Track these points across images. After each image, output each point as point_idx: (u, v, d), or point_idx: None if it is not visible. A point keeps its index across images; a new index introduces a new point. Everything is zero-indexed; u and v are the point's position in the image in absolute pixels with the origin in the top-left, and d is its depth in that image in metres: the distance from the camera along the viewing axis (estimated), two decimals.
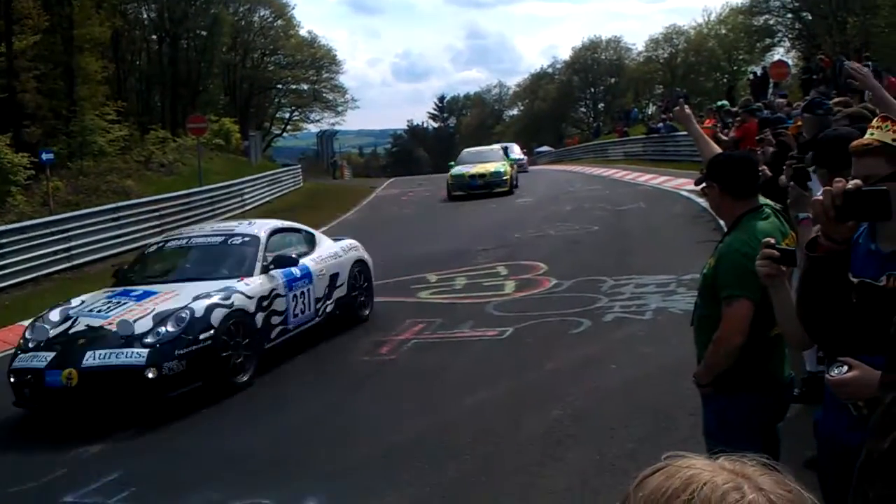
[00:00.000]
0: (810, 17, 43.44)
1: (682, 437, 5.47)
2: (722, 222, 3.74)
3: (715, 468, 1.02)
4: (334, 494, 5.61)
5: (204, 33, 43.28)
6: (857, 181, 2.04)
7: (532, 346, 8.67)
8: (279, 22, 53.71)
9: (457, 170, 26.90)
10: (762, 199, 3.66)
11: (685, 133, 10.72)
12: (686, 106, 4.77)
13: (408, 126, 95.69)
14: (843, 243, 2.07)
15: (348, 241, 11.00)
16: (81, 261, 17.20)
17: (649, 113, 53.23)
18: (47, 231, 16.63)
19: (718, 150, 4.44)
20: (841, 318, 2.13)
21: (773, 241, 2.46)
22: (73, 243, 17.16)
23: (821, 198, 2.05)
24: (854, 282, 2.12)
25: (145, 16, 41.45)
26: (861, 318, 2.08)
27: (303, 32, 56.73)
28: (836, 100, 7.54)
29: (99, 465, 6.47)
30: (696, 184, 3.85)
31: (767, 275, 2.45)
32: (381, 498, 5.38)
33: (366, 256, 10.94)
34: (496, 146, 32.15)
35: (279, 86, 56.25)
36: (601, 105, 73.82)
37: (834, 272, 2.10)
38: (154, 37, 41.50)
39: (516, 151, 38.32)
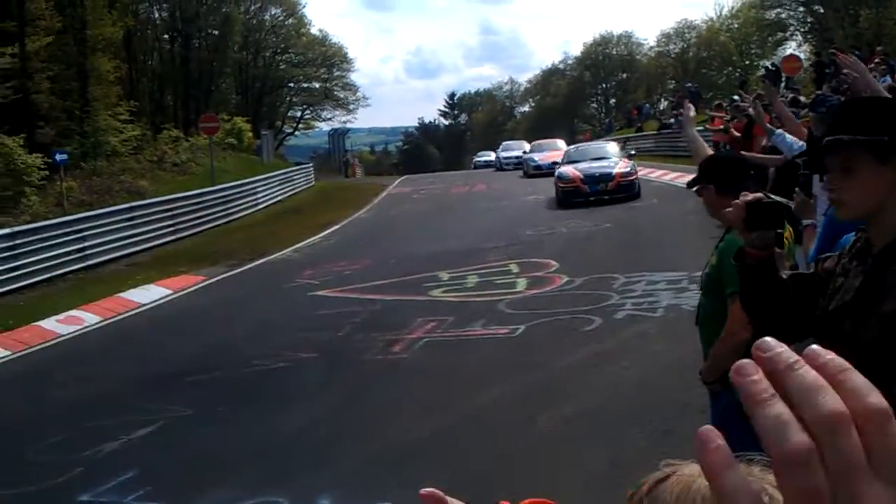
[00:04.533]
0: (822, 11, 43.15)
1: (692, 434, 5.46)
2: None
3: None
4: (347, 493, 5.65)
5: (215, 32, 43.39)
6: (759, 194, 2.21)
7: (544, 343, 8.69)
8: (290, 20, 53.72)
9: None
10: None
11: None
12: (692, 108, 4.77)
13: (419, 124, 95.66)
14: (765, 249, 2.21)
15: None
16: (96, 261, 17.32)
17: (661, 108, 53.04)
18: (61, 231, 16.75)
19: (710, 153, 4.47)
20: (782, 315, 2.26)
21: None
22: (87, 243, 17.27)
23: (731, 210, 2.24)
24: (785, 276, 2.25)
25: (157, 15, 41.58)
26: (799, 308, 2.21)
27: (314, 30, 56.71)
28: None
29: (115, 463, 6.53)
30: (689, 186, 3.86)
31: None
32: (394, 497, 5.40)
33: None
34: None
35: (291, 84, 56.23)
36: (612, 101, 73.61)
37: (766, 276, 2.24)
38: (166, 36, 41.64)
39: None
